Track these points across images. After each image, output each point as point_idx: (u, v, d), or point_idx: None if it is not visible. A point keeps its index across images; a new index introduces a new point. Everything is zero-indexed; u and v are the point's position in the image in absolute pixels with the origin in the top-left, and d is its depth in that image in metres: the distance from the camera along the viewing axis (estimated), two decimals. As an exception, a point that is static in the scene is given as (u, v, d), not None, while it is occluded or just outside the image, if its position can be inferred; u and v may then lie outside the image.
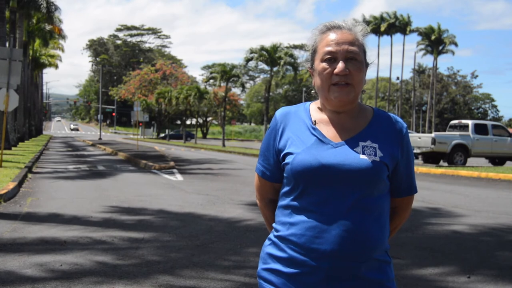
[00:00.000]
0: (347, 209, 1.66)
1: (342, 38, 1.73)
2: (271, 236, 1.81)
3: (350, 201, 1.67)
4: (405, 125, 1.81)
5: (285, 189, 1.78)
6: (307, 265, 1.67)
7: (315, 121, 1.79)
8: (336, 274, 1.66)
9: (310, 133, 1.76)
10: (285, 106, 1.90)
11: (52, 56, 51.49)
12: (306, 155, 1.71)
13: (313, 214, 1.69)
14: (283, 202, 1.78)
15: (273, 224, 1.82)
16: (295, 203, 1.73)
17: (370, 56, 1.81)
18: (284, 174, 1.78)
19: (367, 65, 1.79)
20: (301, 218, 1.70)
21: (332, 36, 1.74)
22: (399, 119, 1.82)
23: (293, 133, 1.78)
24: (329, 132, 1.76)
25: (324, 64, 1.73)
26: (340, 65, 1.70)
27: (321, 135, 1.75)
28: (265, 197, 1.93)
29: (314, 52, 1.79)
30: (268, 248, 1.79)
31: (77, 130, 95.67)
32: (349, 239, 1.65)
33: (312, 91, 1.83)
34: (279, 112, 1.86)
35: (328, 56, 1.73)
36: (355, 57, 1.72)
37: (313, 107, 1.84)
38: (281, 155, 1.79)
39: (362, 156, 1.69)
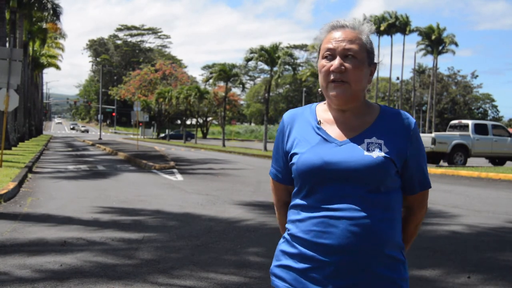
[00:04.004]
0: (353, 205, 1.67)
1: (342, 36, 1.74)
2: (285, 234, 1.84)
3: (357, 197, 1.68)
4: (413, 120, 1.78)
5: (295, 189, 1.82)
6: (316, 260, 1.69)
7: (319, 121, 1.81)
8: (345, 268, 1.66)
9: (315, 133, 1.78)
10: (292, 109, 1.93)
11: (52, 57, 51.45)
12: (310, 154, 1.73)
13: (319, 211, 1.71)
14: (293, 202, 1.82)
15: (286, 224, 1.85)
16: (303, 202, 1.76)
17: (377, 56, 1.82)
18: (292, 175, 1.81)
19: (372, 64, 1.78)
20: (308, 215, 1.73)
21: (334, 34, 1.76)
22: (407, 115, 1.80)
23: (299, 134, 1.81)
24: (334, 131, 1.77)
25: (324, 61, 1.75)
26: (336, 62, 1.71)
27: (326, 134, 1.76)
28: (280, 200, 1.97)
29: (319, 50, 1.82)
30: (281, 245, 1.83)
31: (87, 131, 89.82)
32: (356, 233, 1.65)
33: (319, 89, 1.85)
34: (286, 115, 1.89)
35: (327, 53, 1.74)
36: (353, 55, 1.72)
37: (320, 107, 1.87)
38: (289, 156, 1.82)
39: (366, 153, 1.69)
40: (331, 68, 1.72)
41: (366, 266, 1.66)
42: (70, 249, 5.58)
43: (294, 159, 1.77)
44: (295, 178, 1.80)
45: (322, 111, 1.84)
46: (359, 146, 1.71)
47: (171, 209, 8.64)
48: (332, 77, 1.72)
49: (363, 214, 1.66)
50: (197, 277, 4.66)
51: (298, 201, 1.78)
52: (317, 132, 1.78)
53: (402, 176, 1.77)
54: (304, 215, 1.74)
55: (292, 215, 1.80)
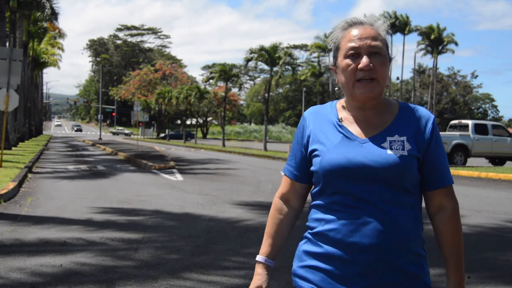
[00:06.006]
0: (380, 204, 1.67)
1: (365, 33, 1.72)
2: (306, 234, 1.82)
3: (383, 196, 1.67)
4: (432, 116, 1.77)
5: (316, 189, 1.79)
6: (344, 259, 1.68)
7: (341, 119, 1.79)
8: (374, 267, 1.66)
9: (337, 130, 1.76)
10: (313, 106, 1.91)
11: (52, 54, 51.43)
12: (334, 154, 1.71)
13: (347, 210, 1.69)
14: (315, 201, 1.79)
15: (307, 223, 1.82)
16: (328, 201, 1.74)
17: (393, 51, 1.81)
18: (313, 175, 1.80)
19: (390, 59, 1.78)
20: (336, 214, 1.71)
21: (355, 31, 1.73)
22: (426, 110, 1.78)
23: (320, 131, 1.78)
24: (355, 129, 1.75)
25: (348, 60, 1.72)
26: (365, 60, 1.69)
27: (348, 132, 1.74)
28: (285, 201, 1.89)
29: (336, 49, 1.78)
30: (303, 246, 1.80)
31: (129, 135, 77.63)
32: (384, 232, 1.65)
33: (336, 89, 1.83)
34: (308, 112, 1.88)
35: (352, 52, 1.72)
36: (378, 52, 1.71)
37: (339, 105, 1.85)
38: (309, 151, 1.80)
39: (389, 152, 1.68)
40: (360, 67, 1.69)
41: (395, 264, 1.67)
42: (70, 249, 5.58)
43: (317, 159, 1.75)
44: (317, 178, 1.77)
45: (341, 109, 1.82)
46: (381, 145, 1.70)
47: (171, 209, 8.63)
48: (360, 75, 1.70)
49: (390, 214, 1.66)
50: (197, 278, 4.65)
51: (322, 200, 1.75)
52: (338, 130, 1.76)
53: (423, 171, 1.75)
54: (331, 215, 1.72)
55: (316, 214, 1.77)
